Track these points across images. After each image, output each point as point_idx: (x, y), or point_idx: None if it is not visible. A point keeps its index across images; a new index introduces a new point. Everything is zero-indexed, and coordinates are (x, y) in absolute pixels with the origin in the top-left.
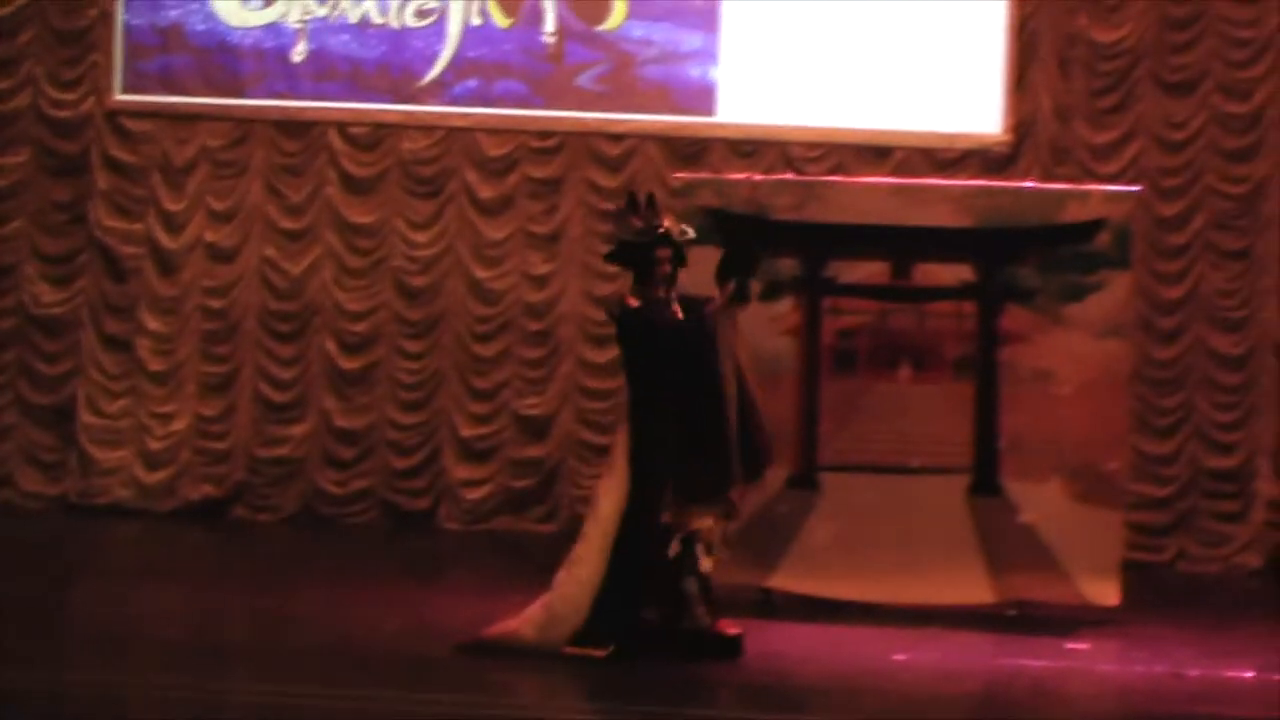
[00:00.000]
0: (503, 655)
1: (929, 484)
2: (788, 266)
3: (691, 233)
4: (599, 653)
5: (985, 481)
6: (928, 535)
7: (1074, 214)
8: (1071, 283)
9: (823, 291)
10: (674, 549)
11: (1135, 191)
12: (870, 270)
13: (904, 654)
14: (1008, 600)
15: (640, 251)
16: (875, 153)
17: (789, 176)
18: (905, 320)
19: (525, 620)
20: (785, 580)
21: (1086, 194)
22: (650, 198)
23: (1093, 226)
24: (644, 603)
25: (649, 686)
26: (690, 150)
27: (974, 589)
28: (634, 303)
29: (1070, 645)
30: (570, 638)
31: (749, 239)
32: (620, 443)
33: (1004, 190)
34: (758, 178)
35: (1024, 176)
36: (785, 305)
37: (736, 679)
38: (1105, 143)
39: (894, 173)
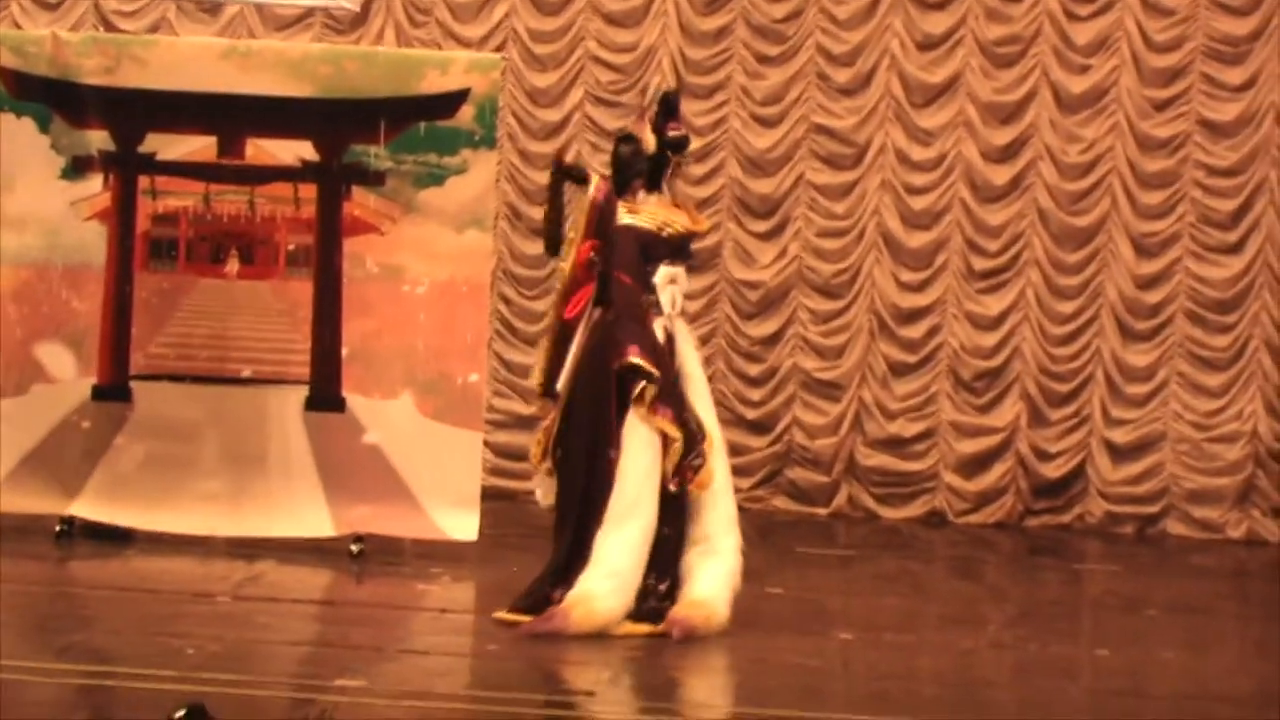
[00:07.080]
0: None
1: (260, 397)
2: (97, 139)
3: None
4: None
5: (325, 395)
6: (257, 457)
7: (432, 84)
8: (428, 165)
9: (138, 169)
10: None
11: (503, 58)
12: (194, 145)
13: (226, 596)
14: (350, 533)
15: None
16: (202, 9)
17: (99, 33)
18: (234, 205)
19: (574, 601)
20: (89, 508)
21: (447, 61)
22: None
23: (454, 99)
24: None
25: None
26: None
27: (311, 520)
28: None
29: (422, 587)
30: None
31: None
32: None
33: (350, 55)
34: (62, 34)
35: (376, 40)
36: (93, 185)
37: None
38: (467, 1)
39: (223, 32)
